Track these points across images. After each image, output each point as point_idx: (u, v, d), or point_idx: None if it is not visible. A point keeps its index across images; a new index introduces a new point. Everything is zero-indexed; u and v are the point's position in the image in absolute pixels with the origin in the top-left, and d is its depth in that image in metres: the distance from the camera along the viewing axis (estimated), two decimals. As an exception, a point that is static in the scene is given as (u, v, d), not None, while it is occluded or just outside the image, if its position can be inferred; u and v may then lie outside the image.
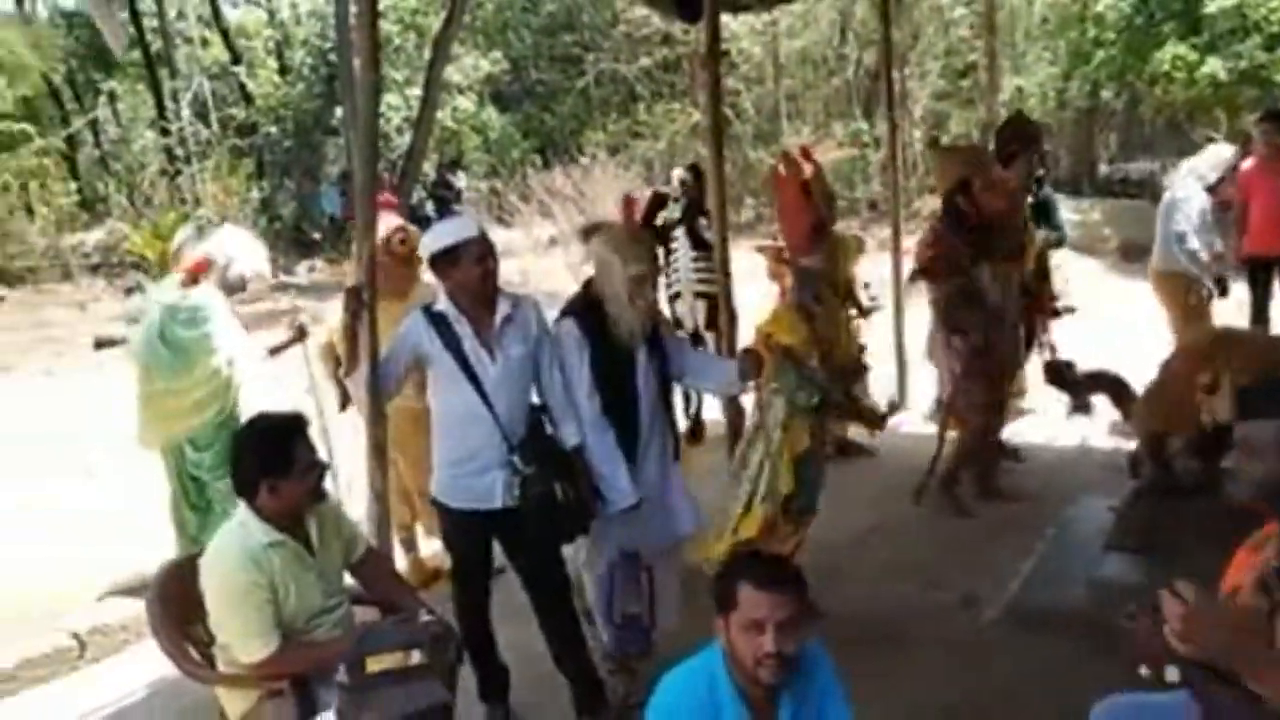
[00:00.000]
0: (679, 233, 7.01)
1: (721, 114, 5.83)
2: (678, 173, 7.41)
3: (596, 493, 3.92)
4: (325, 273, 14.76)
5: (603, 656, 4.12)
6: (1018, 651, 4.28)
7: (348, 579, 3.51)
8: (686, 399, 7.09)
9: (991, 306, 5.55)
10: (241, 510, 3.21)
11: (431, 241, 3.87)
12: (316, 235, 16.41)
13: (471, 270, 3.79)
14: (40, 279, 13.58)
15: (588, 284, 4.03)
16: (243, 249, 5.07)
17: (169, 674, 4.07)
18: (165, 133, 17.76)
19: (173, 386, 4.78)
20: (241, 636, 3.15)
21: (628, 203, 7.37)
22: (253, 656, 3.15)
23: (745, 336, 6.04)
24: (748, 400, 5.04)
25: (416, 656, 2.75)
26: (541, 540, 3.91)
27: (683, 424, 7.09)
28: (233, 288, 4.99)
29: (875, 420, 5.61)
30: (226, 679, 3.30)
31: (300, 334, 5.09)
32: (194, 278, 4.84)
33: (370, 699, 2.39)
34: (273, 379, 4.97)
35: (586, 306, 3.97)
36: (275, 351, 5.12)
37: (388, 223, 5.02)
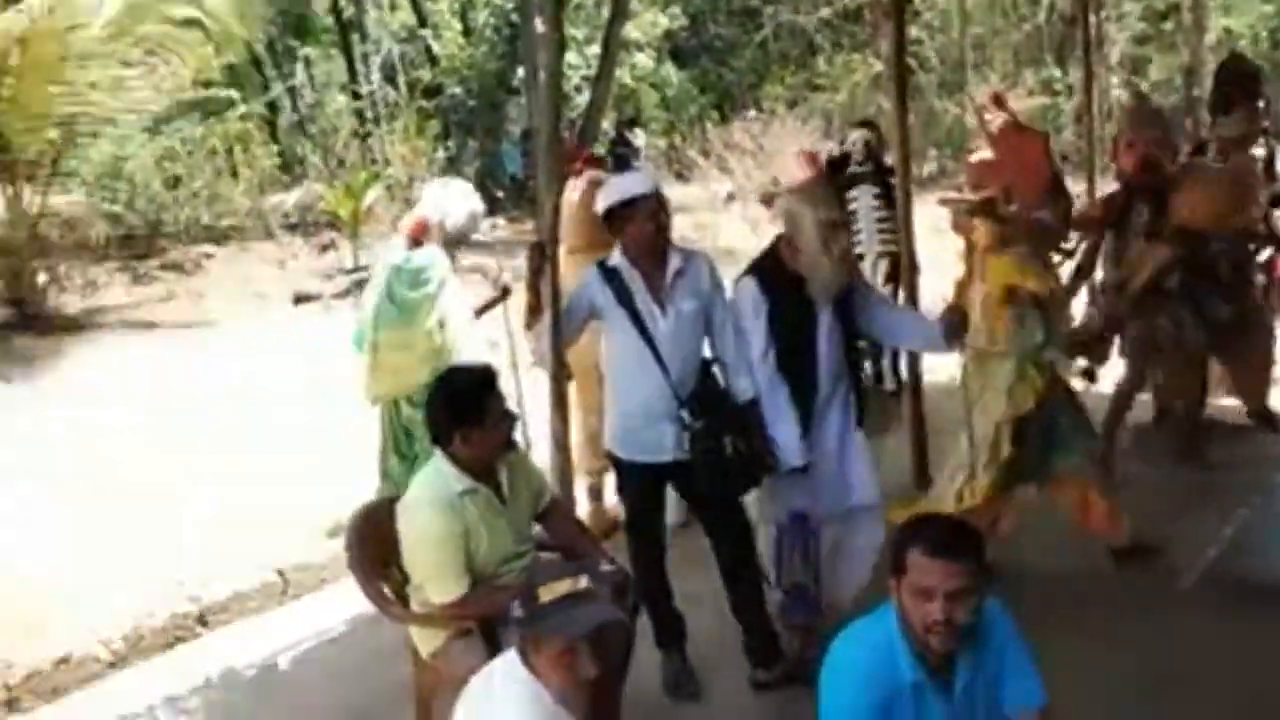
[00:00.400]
0: (859, 192, 6.90)
1: (905, 64, 5.69)
2: (857, 134, 7.29)
3: (770, 449, 3.93)
4: (508, 230, 15.09)
5: (776, 613, 4.14)
6: (1214, 621, 4.09)
7: (535, 528, 3.63)
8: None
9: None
10: (438, 458, 3.36)
11: (607, 196, 3.95)
12: (499, 194, 16.78)
13: (644, 225, 3.85)
14: (244, 237, 14.33)
15: (775, 242, 4.01)
16: (453, 200, 5.08)
17: (364, 612, 4.31)
18: (356, 96, 18.43)
19: (397, 344, 4.87)
20: (434, 578, 3.30)
21: (810, 157, 7.28)
22: (444, 597, 3.29)
23: (929, 294, 5.94)
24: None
25: (584, 582, 2.81)
26: (714, 493, 3.95)
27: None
28: (456, 240, 4.99)
29: (1090, 374, 5.46)
30: (419, 618, 3.46)
31: (504, 292, 5.18)
32: (416, 240, 4.92)
33: (546, 622, 2.44)
34: (486, 342, 5.03)
35: (771, 265, 3.95)
36: (481, 311, 5.14)
37: (588, 178, 5.07)
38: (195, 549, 5.40)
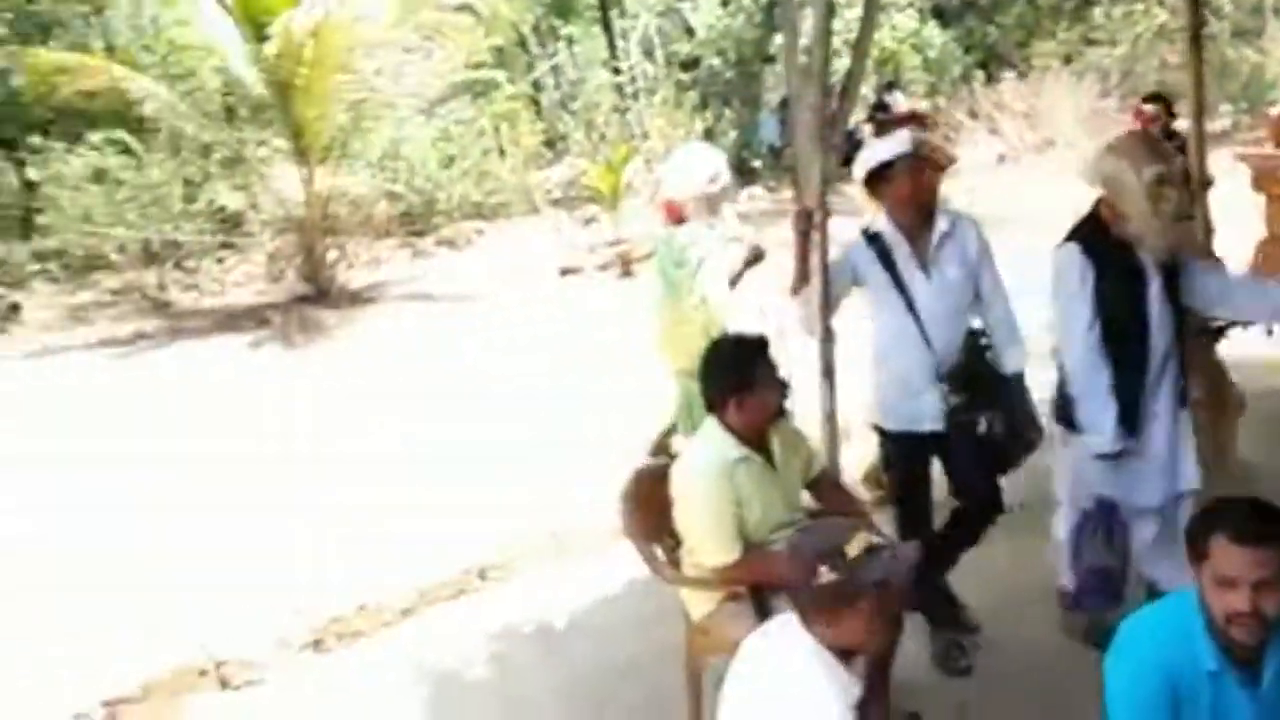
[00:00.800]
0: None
1: (1200, 11, 5.26)
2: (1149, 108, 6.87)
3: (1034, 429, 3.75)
4: (765, 200, 15.05)
5: (1059, 596, 3.96)
6: None
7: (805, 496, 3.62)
8: None
9: None
10: (712, 425, 3.40)
11: (865, 161, 3.87)
12: (756, 163, 16.75)
13: (904, 185, 3.75)
14: (512, 213, 14.96)
15: (1095, 207, 3.70)
16: (692, 168, 4.98)
17: (636, 574, 4.42)
18: (616, 72, 18.81)
19: (672, 319, 4.94)
20: (707, 542, 3.34)
21: (1137, 113, 6.90)
22: (717, 561, 3.34)
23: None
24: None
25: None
26: (967, 471, 3.82)
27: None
28: (712, 205, 4.89)
29: None
30: (691, 581, 3.52)
31: (756, 256, 5.16)
32: (677, 218, 4.97)
33: (844, 580, 2.39)
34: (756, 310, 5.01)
35: (1093, 231, 3.64)
36: (736, 278, 5.04)
37: (914, 135, 4.94)
38: (473, 507, 5.70)
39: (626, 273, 11.63)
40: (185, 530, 5.76)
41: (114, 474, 6.66)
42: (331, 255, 11.97)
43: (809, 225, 3.84)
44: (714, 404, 3.38)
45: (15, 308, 11.71)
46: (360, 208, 12.73)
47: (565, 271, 12.20)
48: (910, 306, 3.76)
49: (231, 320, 11.11)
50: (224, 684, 4.55)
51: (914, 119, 5.29)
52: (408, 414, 7.49)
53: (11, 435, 7.69)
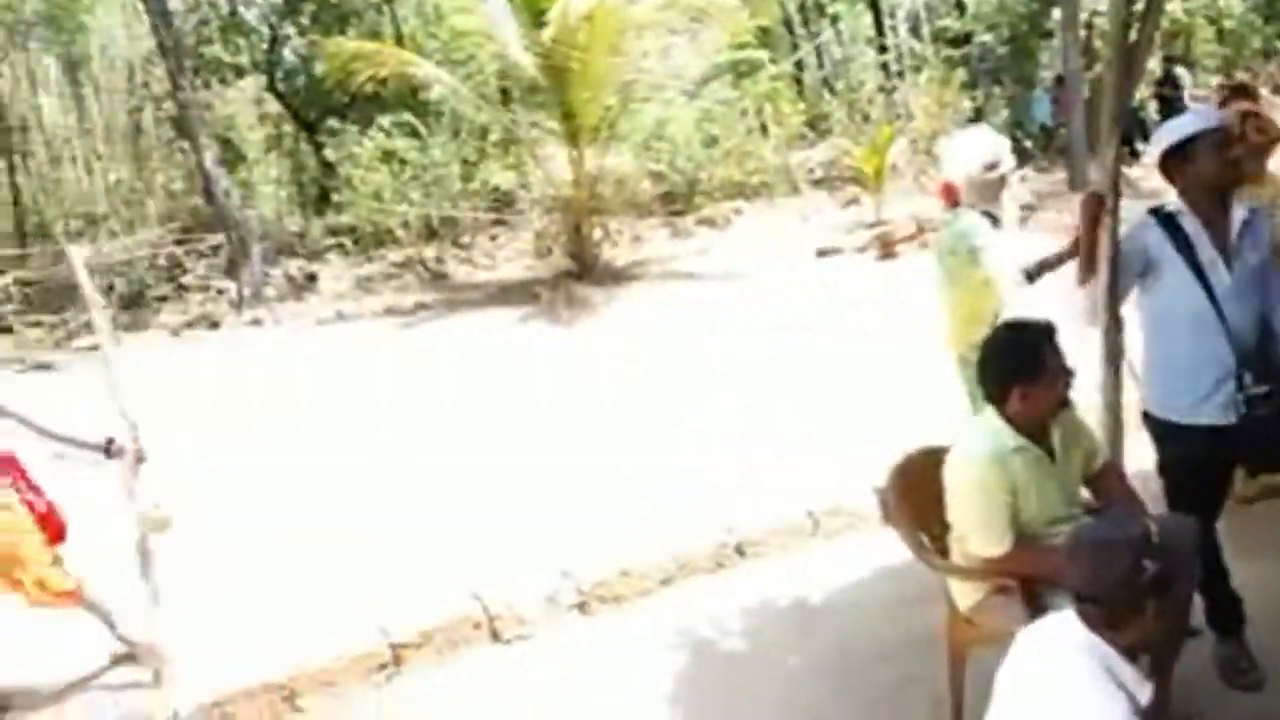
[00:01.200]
0: None
1: None
2: None
3: None
4: (1037, 182, 14.43)
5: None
6: None
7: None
8: None
9: None
10: (990, 413, 3.32)
11: (1162, 139, 3.65)
12: (1028, 144, 16.08)
13: (1208, 163, 3.51)
14: (772, 193, 14.98)
15: None
16: (969, 151, 4.86)
17: (895, 561, 4.40)
18: (882, 50, 18.49)
19: (950, 303, 4.87)
20: (979, 532, 3.28)
21: None
22: (988, 552, 3.27)
23: None
24: None
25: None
26: (1266, 466, 3.56)
27: None
28: (990, 191, 4.79)
29: None
30: (959, 570, 3.47)
31: (1073, 249, 4.88)
32: (952, 201, 4.87)
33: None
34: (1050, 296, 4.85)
35: None
36: (1044, 267, 4.77)
37: (1236, 109, 4.70)
38: (731, 482, 5.79)
39: (888, 255, 11.44)
40: (459, 481, 6.13)
41: (399, 426, 7.19)
42: (597, 234, 12.35)
43: (1100, 210, 3.67)
44: (994, 392, 3.30)
45: (313, 278, 12.74)
46: (625, 187, 13.07)
47: (823, 253, 12.12)
48: (1210, 294, 3.54)
49: (503, 294, 11.67)
50: (495, 636, 4.83)
51: (1241, 91, 4.92)
52: (670, 390, 7.67)
53: (311, 390, 8.43)
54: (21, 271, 12.74)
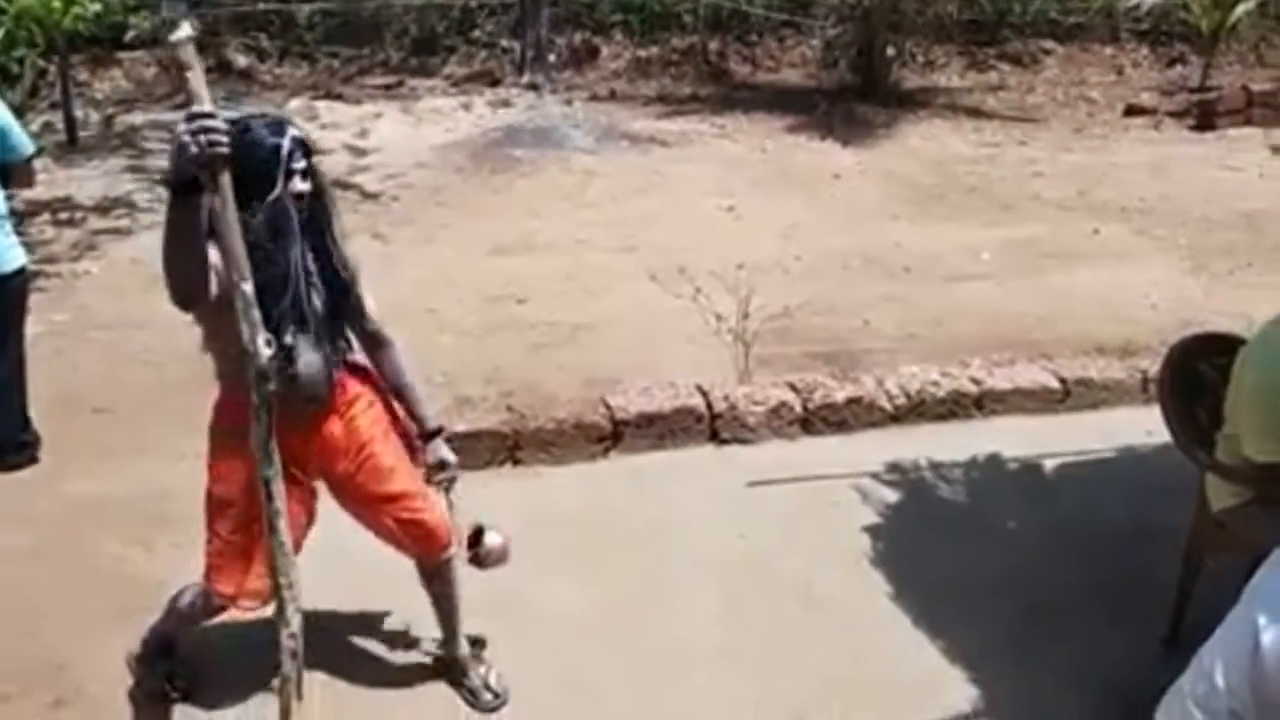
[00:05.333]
0: None
1: None
2: None
3: None
4: None
5: None
6: None
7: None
8: None
9: None
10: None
11: None
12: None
13: None
14: (1087, 37, 13.71)
15: None
16: None
17: (1143, 445, 4.17)
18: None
19: None
20: (1257, 434, 3.00)
21: None
22: (1263, 457, 3.00)
23: None
24: None
25: None
26: None
27: None
28: None
29: None
30: (1224, 469, 3.22)
31: None
32: None
33: None
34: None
35: None
36: None
37: None
38: (975, 334, 5.64)
39: (1204, 126, 10.40)
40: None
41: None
42: (890, 51, 11.73)
43: None
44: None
45: (594, 52, 12.69)
46: (929, 6, 12.26)
47: (1131, 111, 11.15)
48: None
49: (779, 99, 11.30)
50: (714, 435, 4.86)
51: None
52: (922, 227, 7.40)
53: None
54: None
